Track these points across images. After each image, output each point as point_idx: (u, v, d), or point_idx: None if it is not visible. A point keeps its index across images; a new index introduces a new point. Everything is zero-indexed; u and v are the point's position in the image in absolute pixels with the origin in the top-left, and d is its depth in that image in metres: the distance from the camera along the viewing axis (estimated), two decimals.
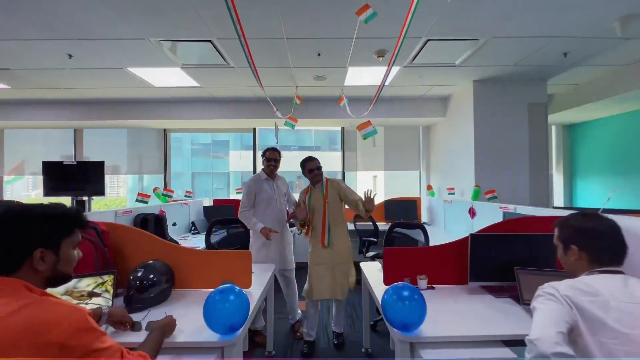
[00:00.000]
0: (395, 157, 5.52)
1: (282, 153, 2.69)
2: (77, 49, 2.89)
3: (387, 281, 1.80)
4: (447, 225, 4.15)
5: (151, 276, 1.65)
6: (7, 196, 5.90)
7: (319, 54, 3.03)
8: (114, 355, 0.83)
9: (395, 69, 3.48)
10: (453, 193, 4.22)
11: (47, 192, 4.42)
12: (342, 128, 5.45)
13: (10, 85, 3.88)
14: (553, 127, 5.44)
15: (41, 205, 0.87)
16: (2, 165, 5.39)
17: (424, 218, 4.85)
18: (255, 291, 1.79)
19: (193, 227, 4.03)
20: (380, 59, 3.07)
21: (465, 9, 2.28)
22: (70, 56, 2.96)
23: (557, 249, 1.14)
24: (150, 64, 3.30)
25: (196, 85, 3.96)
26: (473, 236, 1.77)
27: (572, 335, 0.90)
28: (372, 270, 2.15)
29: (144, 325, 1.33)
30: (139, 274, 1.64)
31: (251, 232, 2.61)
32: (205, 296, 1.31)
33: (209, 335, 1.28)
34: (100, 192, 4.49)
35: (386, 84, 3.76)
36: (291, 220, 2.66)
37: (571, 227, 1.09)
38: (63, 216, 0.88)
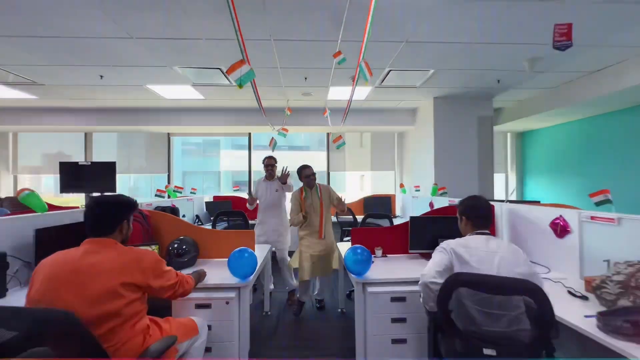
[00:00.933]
0: (378, 159, 6.36)
1: (274, 152, 3.49)
2: (109, 72, 3.51)
3: None
4: None
5: (184, 247, 2.34)
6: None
7: (305, 78, 3.75)
8: (173, 274, 1.48)
9: (368, 89, 4.24)
10: (419, 190, 5.00)
11: (63, 189, 4.93)
12: (328, 133, 6.18)
13: (38, 96, 4.43)
14: (508, 134, 6.33)
15: (119, 195, 1.46)
16: (16, 165, 5.90)
17: (397, 212, 5.62)
18: (259, 254, 2.46)
19: (197, 220, 4.68)
20: (354, 82, 3.81)
21: (416, 50, 3.04)
22: (101, 77, 3.58)
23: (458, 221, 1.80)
24: (166, 83, 3.95)
25: (201, 97, 4.60)
26: (412, 218, 2.52)
27: (450, 270, 1.54)
28: (346, 249, 2.82)
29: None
30: (176, 245, 2.33)
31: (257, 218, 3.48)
32: (222, 264, 1.99)
33: (230, 280, 1.98)
34: (112, 189, 5.05)
35: (363, 98, 4.53)
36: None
37: (463, 204, 1.74)
38: (131, 202, 1.45)
